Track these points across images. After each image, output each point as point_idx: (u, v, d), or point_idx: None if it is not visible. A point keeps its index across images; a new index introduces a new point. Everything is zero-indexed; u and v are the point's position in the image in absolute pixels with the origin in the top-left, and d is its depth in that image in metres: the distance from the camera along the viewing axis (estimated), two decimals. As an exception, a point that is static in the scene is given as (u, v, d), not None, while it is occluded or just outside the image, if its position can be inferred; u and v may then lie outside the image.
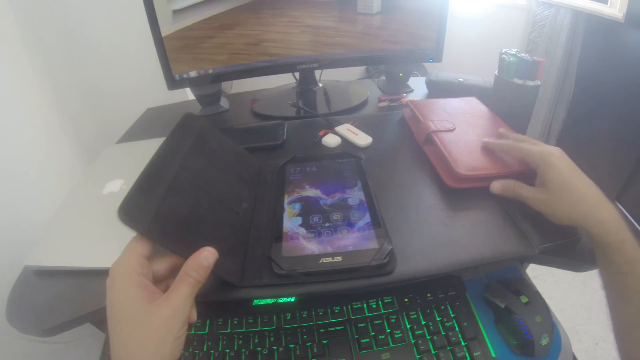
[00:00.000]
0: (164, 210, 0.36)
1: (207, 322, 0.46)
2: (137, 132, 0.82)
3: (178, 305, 0.31)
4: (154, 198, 0.36)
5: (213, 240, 0.38)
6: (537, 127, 1.91)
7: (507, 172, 0.53)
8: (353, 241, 0.45)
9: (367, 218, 0.48)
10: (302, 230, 0.46)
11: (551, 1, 1.79)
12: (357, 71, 0.96)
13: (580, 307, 1.39)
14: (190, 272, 0.33)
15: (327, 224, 0.47)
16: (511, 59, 0.66)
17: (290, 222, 0.48)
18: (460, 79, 0.79)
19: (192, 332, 0.45)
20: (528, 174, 0.52)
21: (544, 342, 0.43)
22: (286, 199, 0.52)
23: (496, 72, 0.68)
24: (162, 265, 0.35)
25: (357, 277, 0.42)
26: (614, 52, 1.74)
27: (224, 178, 0.49)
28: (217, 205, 0.44)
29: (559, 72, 1.84)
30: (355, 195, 0.52)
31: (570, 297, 1.42)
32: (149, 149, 0.44)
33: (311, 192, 0.53)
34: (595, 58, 1.82)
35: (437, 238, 0.47)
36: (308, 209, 0.50)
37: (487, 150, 0.57)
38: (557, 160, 0.47)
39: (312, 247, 0.44)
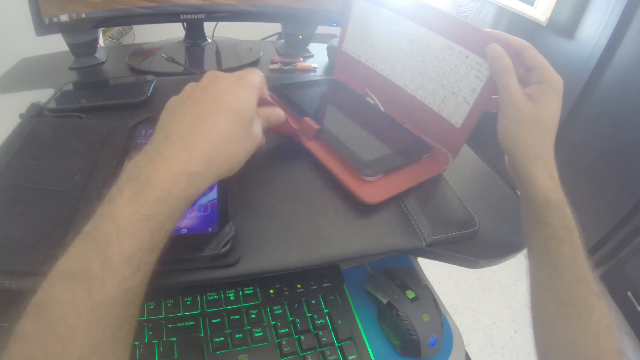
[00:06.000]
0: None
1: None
2: (8, 84, 0.65)
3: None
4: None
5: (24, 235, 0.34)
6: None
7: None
8: (189, 222, 0.35)
9: (213, 193, 0.38)
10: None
11: (479, -6, 1.81)
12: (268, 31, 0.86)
13: (479, 288, 1.45)
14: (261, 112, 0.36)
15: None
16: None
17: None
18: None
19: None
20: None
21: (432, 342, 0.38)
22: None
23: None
24: None
25: (188, 268, 0.33)
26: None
27: (51, 163, 0.43)
28: (35, 195, 0.38)
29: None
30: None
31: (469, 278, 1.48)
32: None
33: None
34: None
35: (302, 224, 0.39)
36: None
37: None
38: (559, 96, 0.39)
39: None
